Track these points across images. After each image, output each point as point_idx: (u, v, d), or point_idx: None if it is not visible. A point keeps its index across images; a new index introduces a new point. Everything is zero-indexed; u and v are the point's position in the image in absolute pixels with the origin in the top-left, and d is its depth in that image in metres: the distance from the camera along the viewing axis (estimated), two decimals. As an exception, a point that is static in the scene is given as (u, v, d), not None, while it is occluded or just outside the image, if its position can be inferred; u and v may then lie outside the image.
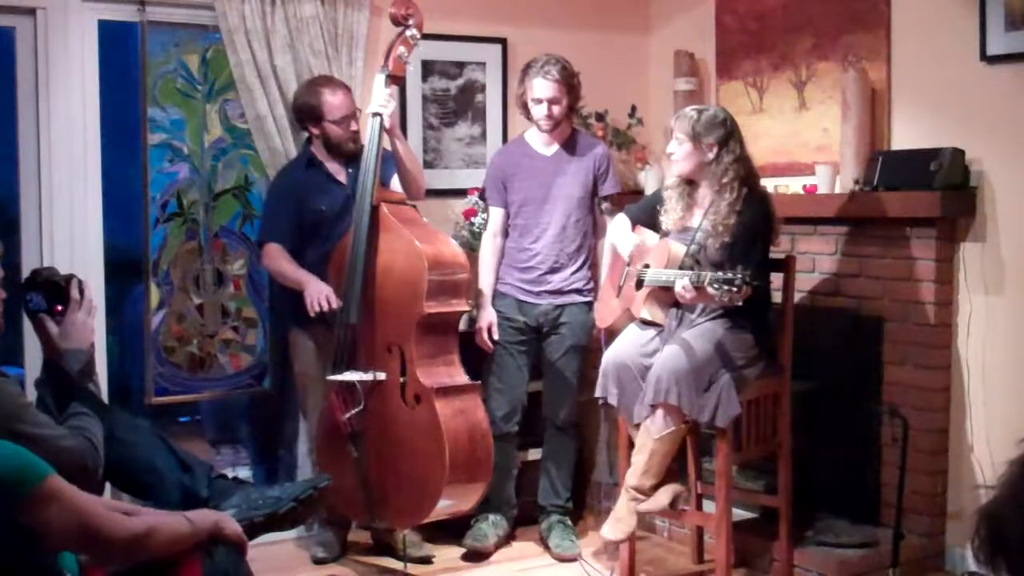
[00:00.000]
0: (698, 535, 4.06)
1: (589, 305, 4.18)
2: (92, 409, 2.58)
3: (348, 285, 3.75)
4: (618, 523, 3.49)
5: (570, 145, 4.17)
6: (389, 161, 3.96)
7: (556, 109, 4.06)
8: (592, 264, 4.22)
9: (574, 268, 4.16)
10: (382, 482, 3.74)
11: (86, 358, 2.64)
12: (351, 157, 4.02)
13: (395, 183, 3.99)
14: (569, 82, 4.08)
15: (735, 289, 3.13)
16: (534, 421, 4.31)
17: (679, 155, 3.55)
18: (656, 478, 3.47)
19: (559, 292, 4.15)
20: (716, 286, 3.16)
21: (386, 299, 3.76)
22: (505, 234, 4.21)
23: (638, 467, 3.47)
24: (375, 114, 3.81)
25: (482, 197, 4.28)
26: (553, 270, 4.14)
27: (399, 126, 3.94)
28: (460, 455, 3.65)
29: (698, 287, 3.27)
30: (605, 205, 4.23)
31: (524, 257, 4.15)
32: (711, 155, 3.52)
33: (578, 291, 4.17)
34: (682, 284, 3.31)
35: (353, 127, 4.01)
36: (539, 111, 4.06)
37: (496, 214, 4.21)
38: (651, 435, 3.43)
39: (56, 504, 2.02)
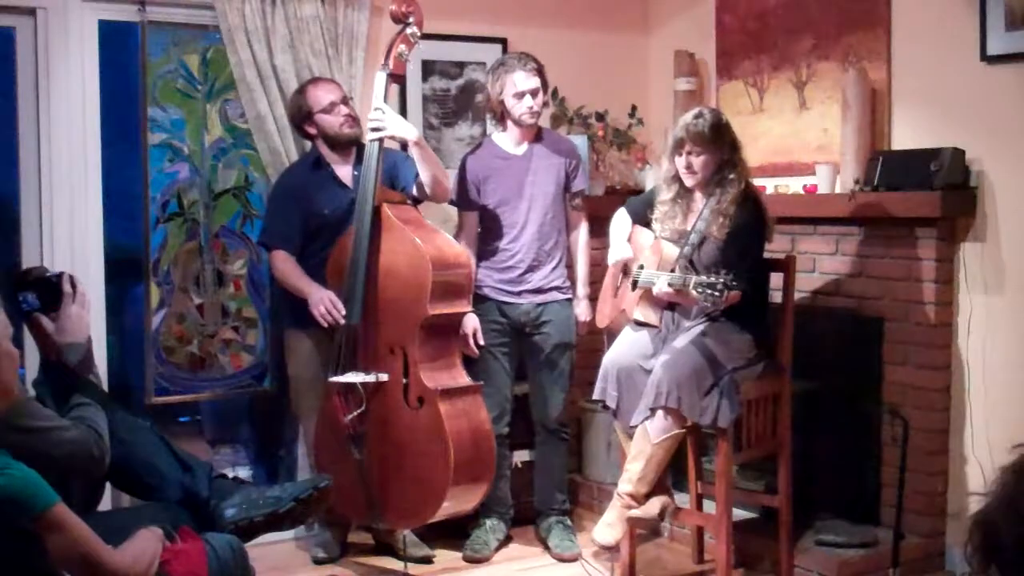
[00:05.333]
0: (698, 535, 4.06)
1: (569, 302, 4.19)
2: (95, 399, 2.58)
3: (350, 286, 3.74)
4: (610, 528, 3.47)
5: (539, 143, 4.17)
6: (406, 162, 3.96)
7: (539, 100, 4.08)
8: (568, 263, 4.23)
9: (552, 265, 4.16)
10: (384, 484, 3.73)
11: (84, 351, 2.65)
12: (355, 148, 4.00)
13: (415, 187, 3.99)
14: (544, 74, 4.11)
15: (717, 294, 3.13)
16: (525, 422, 4.30)
17: (699, 165, 3.51)
18: (650, 486, 3.46)
19: (539, 291, 4.14)
20: (699, 290, 3.17)
21: (389, 300, 3.75)
22: (480, 237, 4.19)
23: (633, 474, 3.45)
24: (373, 129, 3.79)
25: (453, 202, 4.24)
26: (532, 268, 4.13)
27: (411, 131, 3.89)
28: (464, 456, 3.64)
29: (680, 290, 3.28)
30: (576, 202, 4.23)
31: (503, 258, 4.14)
32: (725, 156, 3.52)
33: (558, 288, 4.17)
34: (659, 288, 3.35)
35: (344, 111, 3.99)
36: (523, 105, 4.04)
37: (470, 218, 4.18)
38: (650, 439, 3.42)
39: (59, 533, 2.07)
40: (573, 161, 4.20)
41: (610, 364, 3.60)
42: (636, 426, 3.48)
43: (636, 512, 3.47)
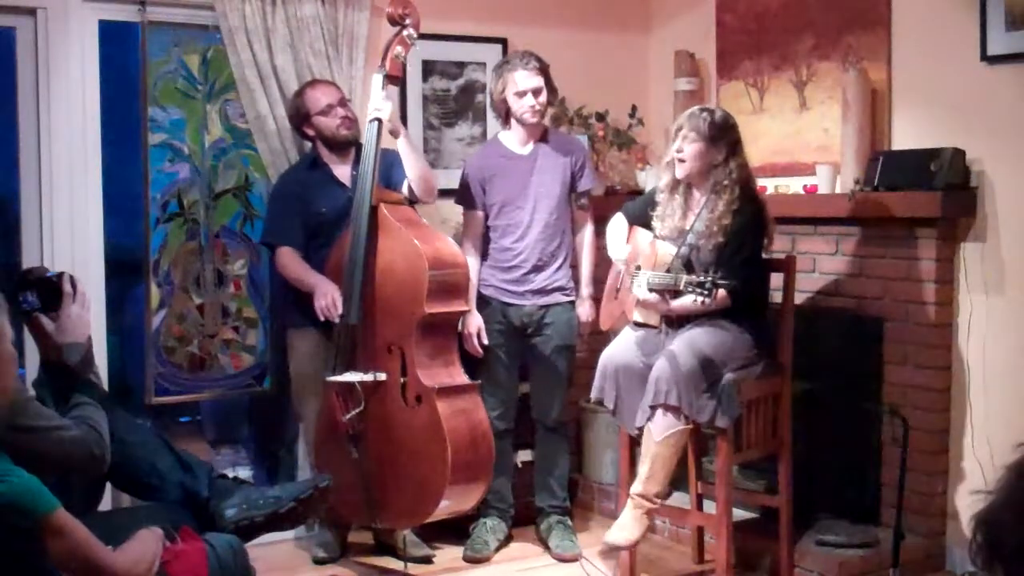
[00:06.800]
0: (698, 535, 4.06)
1: (572, 304, 4.19)
2: (95, 399, 2.58)
3: (348, 286, 3.75)
4: (622, 530, 3.47)
5: (545, 142, 4.18)
6: (398, 163, 3.96)
7: (541, 99, 4.07)
8: (573, 263, 4.23)
9: (556, 266, 4.16)
10: (382, 483, 3.73)
11: (84, 351, 2.65)
12: (354, 148, 4.02)
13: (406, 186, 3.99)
14: (548, 72, 4.11)
15: (706, 292, 3.13)
16: (526, 422, 4.31)
17: (689, 154, 3.51)
18: (660, 484, 3.46)
19: (543, 292, 4.14)
20: (690, 289, 3.18)
21: (386, 300, 3.76)
22: (484, 237, 4.19)
23: (641, 474, 3.47)
24: (373, 119, 3.81)
25: (458, 201, 4.25)
26: (536, 268, 4.13)
27: (402, 125, 3.94)
28: (462, 455, 3.65)
29: (673, 289, 3.28)
30: (582, 201, 4.24)
31: (507, 257, 4.14)
32: (720, 158, 3.52)
33: (561, 289, 4.17)
34: (638, 290, 3.40)
35: (341, 113, 4.00)
36: (524, 104, 4.04)
37: (474, 217, 4.18)
38: (653, 438, 3.43)
39: (60, 538, 2.08)
40: (579, 161, 4.20)
41: (608, 362, 3.61)
42: (641, 428, 3.49)
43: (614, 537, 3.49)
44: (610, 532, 3.52)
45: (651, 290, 3.40)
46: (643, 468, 3.46)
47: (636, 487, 3.48)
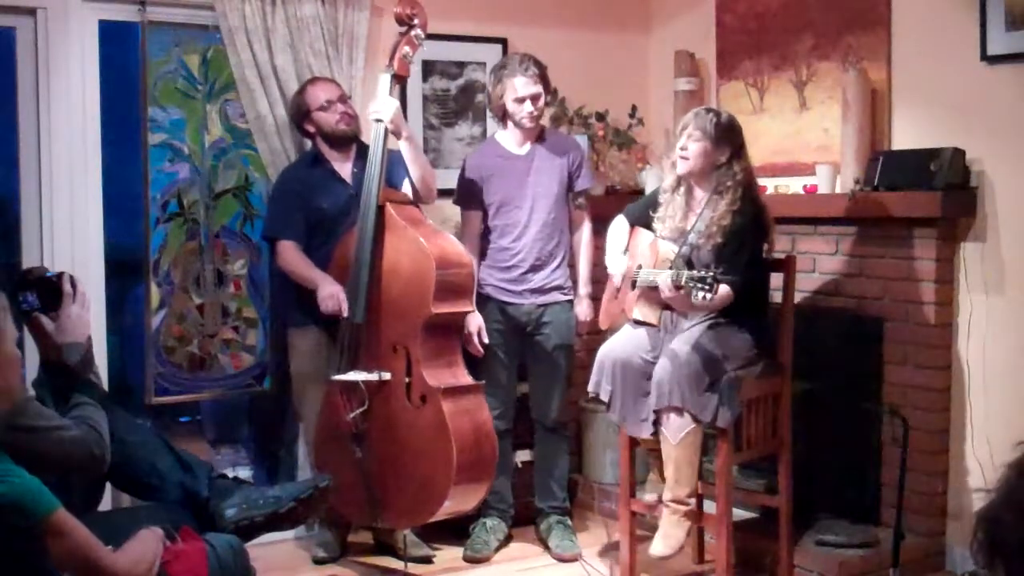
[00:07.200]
0: (698, 535, 4.05)
1: (570, 303, 4.20)
2: (94, 399, 2.59)
3: (353, 285, 3.75)
4: (666, 539, 3.48)
5: (542, 142, 4.18)
6: (399, 163, 3.96)
7: (539, 104, 4.09)
8: (571, 263, 4.24)
9: (555, 265, 4.16)
10: (385, 483, 3.73)
11: (84, 351, 2.65)
12: (355, 145, 4.03)
13: (405, 186, 3.99)
14: (546, 75, 4.12)
15: (707, 287, 3.14)
16: (525, 422, 4.31)
17: (693, 152, 3.52)
18: (690, 485, 3.47)
19: (541, 291, 4.14)
20: (691, 284, 3.19)
21: (392, 299, 3.76)
22: (483, 236, 4.19)
23: (669, 480, 3.48)
24: (377, 120, 3.81)
25: (456, 201, 4.25)
26: (535, 268, 4.13)
27: (405, 125, 3.93)
28: (466, 455, 3.64)
29: (678, 286, 3.28)
30: (579, 200, 4.24)
31: (505, 256, 4.14)
32: (722, 159, 3.52)
33: (559, 288, 4.17)
34: (663, 283, 3.35)
35: (341, 109, 4.01)
36: (523, 109, 4.05)
37: (472, 217, 4.19)
38: (670, 443, 3.43)
39: (60, 538, 2.09)
40: (576, 160, 4.20)
41: (605, 357, 3.61)
42: (654, 433, 3.49)
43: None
44: (653, 545, 3.50)
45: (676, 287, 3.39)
46: (669, 474, 3.48)
47: (667, 494, 3.49)
